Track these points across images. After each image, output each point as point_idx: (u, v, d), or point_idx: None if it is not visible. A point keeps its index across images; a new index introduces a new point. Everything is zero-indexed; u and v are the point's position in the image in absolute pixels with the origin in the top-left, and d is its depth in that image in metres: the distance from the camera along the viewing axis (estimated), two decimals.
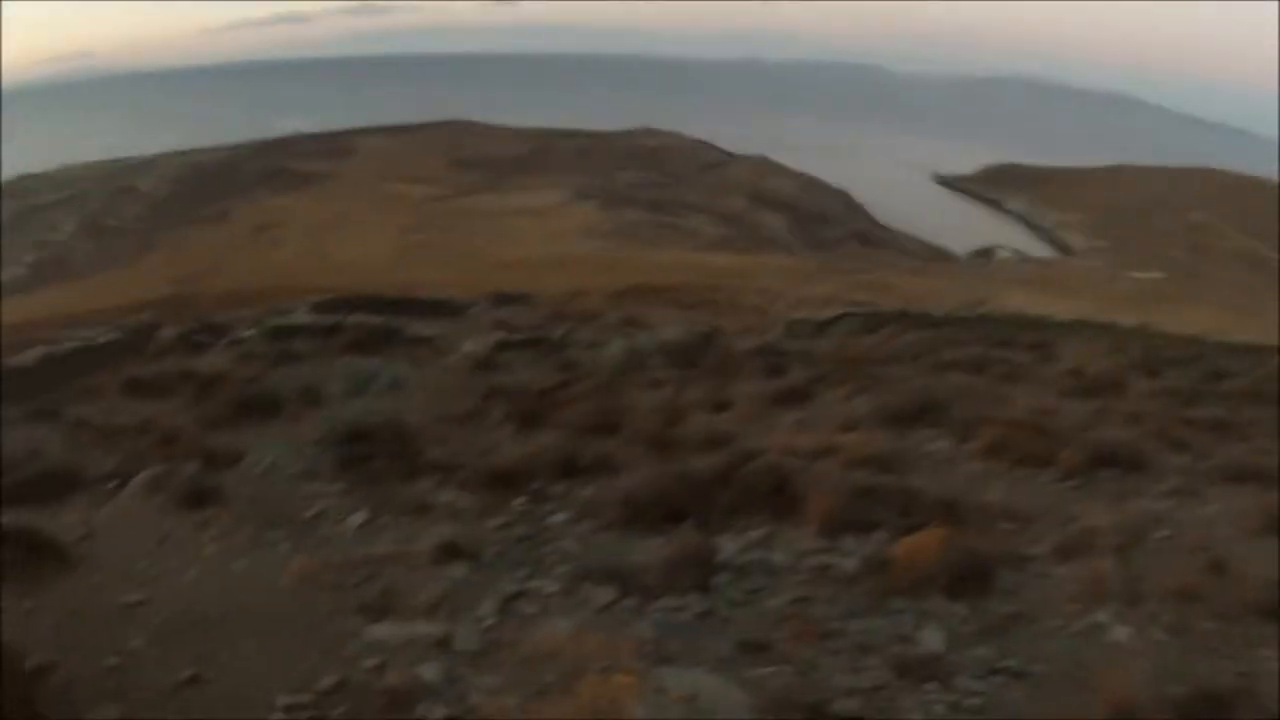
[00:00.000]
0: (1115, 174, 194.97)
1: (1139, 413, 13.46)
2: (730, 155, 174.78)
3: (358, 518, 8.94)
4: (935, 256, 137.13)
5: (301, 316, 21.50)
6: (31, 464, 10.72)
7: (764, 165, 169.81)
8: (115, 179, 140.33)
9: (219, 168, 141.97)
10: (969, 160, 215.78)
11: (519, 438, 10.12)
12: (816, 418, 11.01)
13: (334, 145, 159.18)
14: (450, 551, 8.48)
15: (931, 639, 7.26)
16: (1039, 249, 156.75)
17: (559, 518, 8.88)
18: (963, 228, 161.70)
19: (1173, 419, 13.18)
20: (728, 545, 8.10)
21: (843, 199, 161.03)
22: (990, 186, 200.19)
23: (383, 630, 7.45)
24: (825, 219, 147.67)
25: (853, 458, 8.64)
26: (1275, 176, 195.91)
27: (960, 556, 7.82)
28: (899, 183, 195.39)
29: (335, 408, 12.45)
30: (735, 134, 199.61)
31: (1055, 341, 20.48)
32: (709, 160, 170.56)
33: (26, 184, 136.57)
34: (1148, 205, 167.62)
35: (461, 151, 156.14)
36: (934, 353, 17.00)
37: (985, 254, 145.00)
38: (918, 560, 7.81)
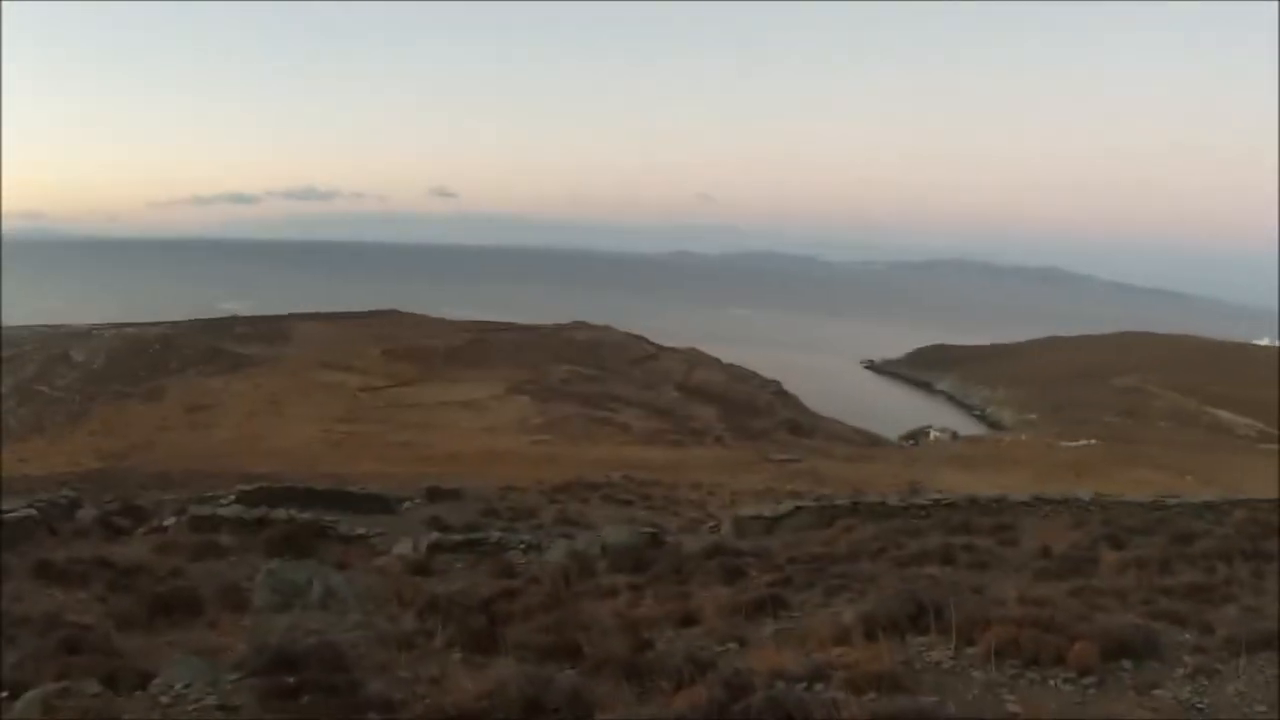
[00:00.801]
0: (1044, 346, 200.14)
1: (1120, 588, 12.63)
2: (661, 348, 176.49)
3: None
4: (867, 441, 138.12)
5: (227, 508, 20.20)
6: None
7: (695, 357, 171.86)
8: (53, 345, 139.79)
9: (156, 343, 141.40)
10: (898, 344, 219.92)
11: (470, 666, 8.89)
12: (799, 629, 9.96)
13: (271, 329, 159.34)
14: None
15: None
16: (970, 427, 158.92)
17: None
18: (893, 411, 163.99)
19: (1151, 590, 12.37)
20: None
21: (773, 388, 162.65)
22: (919, 369, 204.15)
23: None
24: (755, 409, 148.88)
25: (855, 677, 7.61)
26: (1199, 332, 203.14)
27: None
28: (829, 370, 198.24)
29: (261, 622, 11.18)
30: (667, 326, 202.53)
31: (1015, 523, 19.78)
32: (641, 353, 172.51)
33: None
34: (1077, 375, 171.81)
35: (396, 342, 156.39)
36: (897, 546, 16.11)
37: (916, 436, 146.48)
38: None
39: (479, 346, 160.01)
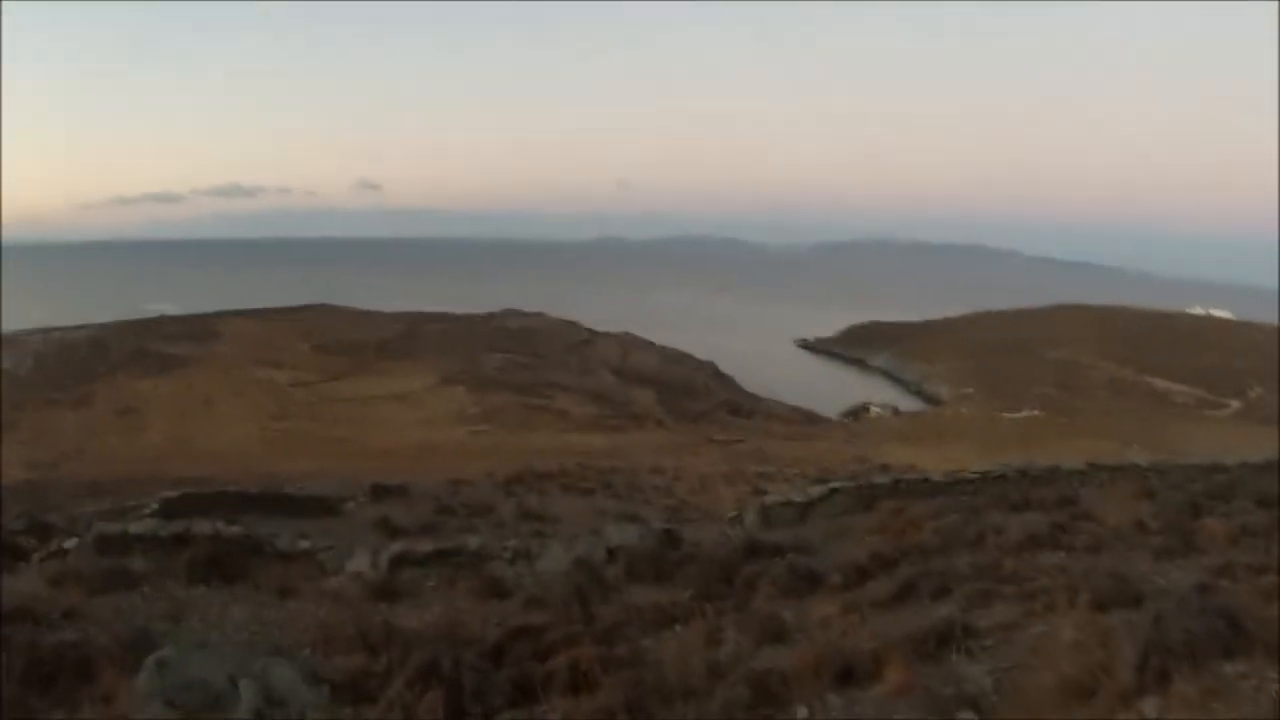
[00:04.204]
0: (975, 322, 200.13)
1: (1264, 564, 10.10)
2: (594, 333, 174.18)
3: None
4: (806, 420, 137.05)
5: (141, 523, 16.71)
6: None
7: (628, 341, 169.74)
8: None
9: (84, 347, 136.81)
10: (830, 323, 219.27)
11: None
12: (1036, 678, 6.98)
13: (200, 328, 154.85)
14: None
15: None
16: (908, 402, 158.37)
17: None
18: (830, 389, 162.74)
19: None
20: None
21: (709, 369, 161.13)
22: (853, 346, 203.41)
23: None
24: (693, 391, 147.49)
25: None
26: (1131, 303, 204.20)
27: None
28: (763, 350, 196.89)
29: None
30: (599, 312, 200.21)
31: (1075, 494, 17.44)
32: (574, 339, 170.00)
33: None
34: (1010, 348, 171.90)
35: (327, 336, 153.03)
36: (996, 531, 13.35)
37: (856, 412, 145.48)
38: None
39: (410, 338, 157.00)
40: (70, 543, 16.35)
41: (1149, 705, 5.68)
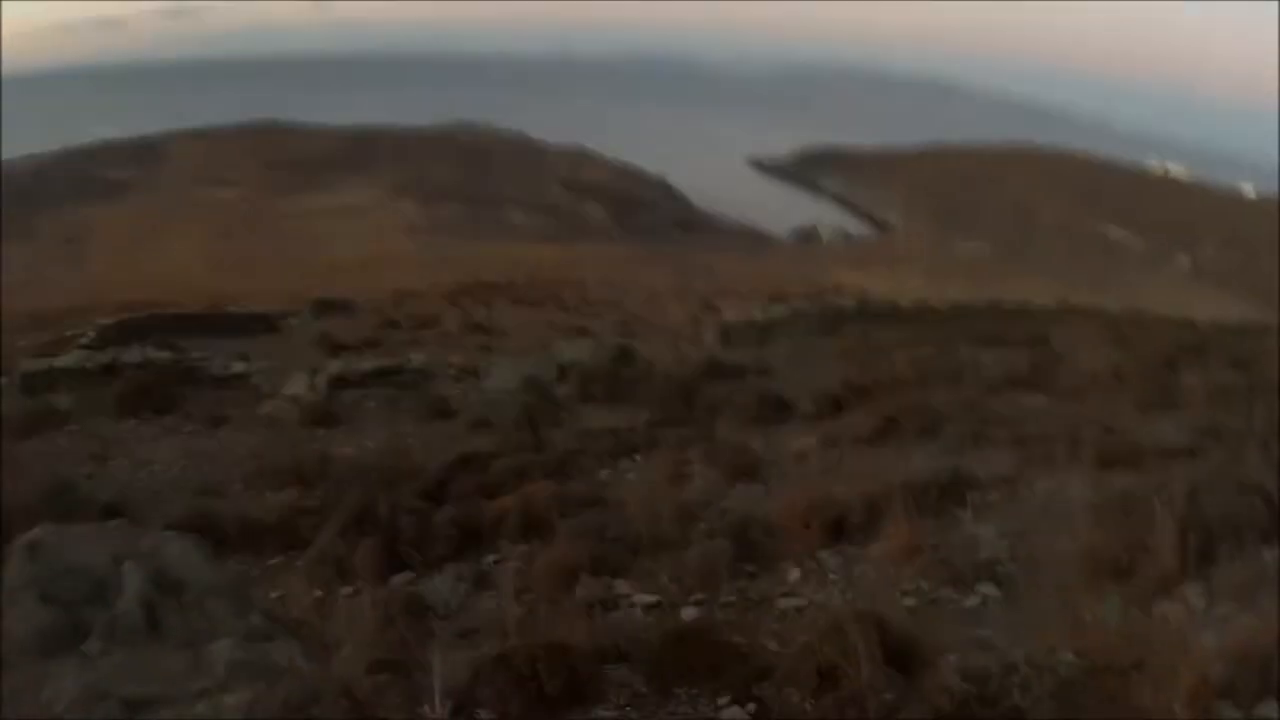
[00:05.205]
0: (932, 155, 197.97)
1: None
2: (547, 146, 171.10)
3: None
4: (755, 239, 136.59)
5: (66, 356, 15.55)
6: None
7: (580, 156, 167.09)
8: None
9: (26, 179, 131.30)
10: (784, 146, 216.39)
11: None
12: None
13: (143, 151, 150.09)
14: None
15: None
16: (857, 228, 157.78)
17: None
18: (780, 210, 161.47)
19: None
20: None
21: (660, 187, 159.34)
22: (806, 170, 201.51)
23: None
24: (644, 206, 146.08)
25: None
26: (1094, 153, 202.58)
27: None
28: (715, 169, 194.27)
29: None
30: (550, 127, 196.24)
31: (1047, 333, 16.74)
32: (525, 153, 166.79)
33: None
34: (966, 183, 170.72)
35: (274, 153, 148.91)
36: (975, 367, 12.65)
37: (807, 235, 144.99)
38: None
39: (359, 152, 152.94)
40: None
41: (1192, 592, 4.94)
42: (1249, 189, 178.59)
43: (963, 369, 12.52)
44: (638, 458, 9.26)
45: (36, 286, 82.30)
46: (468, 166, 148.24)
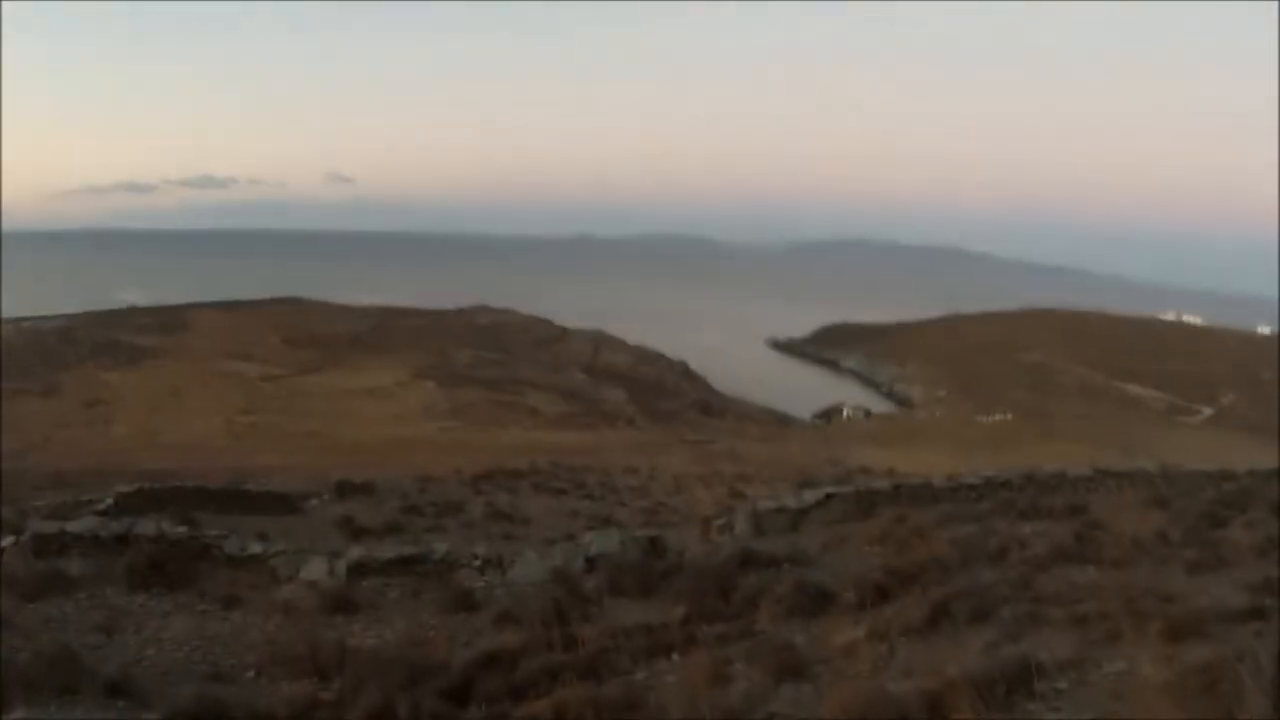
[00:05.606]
0: (947, 324, 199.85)
1: None
2: (566, 330, 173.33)
3: None
4: (777, 421, 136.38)
5: (79, 522, 15.19)
6: None
7: (600, 339, 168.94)
8: None
9: (53, 337, 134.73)
10: (803, 323, 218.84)
11: None
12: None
13: (170, 319, 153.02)
14: None
15: None
16: (880, 404, 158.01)
17: None
18: (802, 389, 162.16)
19: None
20: None
21: (680, 369, 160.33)
22: (825, 347, 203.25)
23: None
24: (664, 390, 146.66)
25: None
26: (1103, 306, 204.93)
27: None
28: (735, 350, 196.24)
29: None
30: (569, 309, 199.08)
31: (1085, 502, 16.36)
32: (545, 335, 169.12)
33: None
34: (982, 351, 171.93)
35: (297, 329, 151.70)
36: (1020, 545, 12.17)
37: (829, 414, 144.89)
38: None
39: (381, 332, 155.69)
40: (7, 541, 14.93)
41: None
42: (1266, 329, 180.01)
43: (1007, 546, 12.02)
44: (675, 656, 8.77)
45: (57, 445, 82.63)
46: (488, 349, 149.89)
